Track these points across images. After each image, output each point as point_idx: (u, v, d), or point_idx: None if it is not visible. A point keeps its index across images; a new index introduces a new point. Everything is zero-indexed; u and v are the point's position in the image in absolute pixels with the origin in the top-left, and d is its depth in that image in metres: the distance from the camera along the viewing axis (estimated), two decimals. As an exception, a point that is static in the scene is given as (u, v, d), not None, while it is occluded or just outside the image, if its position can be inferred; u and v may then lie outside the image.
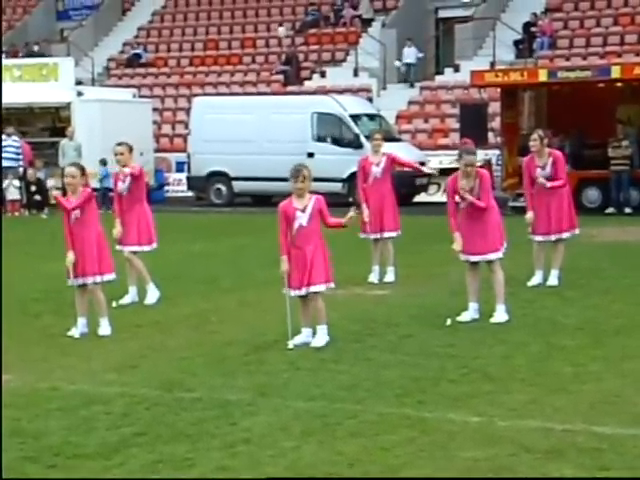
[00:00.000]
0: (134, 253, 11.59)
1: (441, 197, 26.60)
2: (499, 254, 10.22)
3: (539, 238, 12.29)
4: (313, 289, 9.09)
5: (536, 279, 12.28)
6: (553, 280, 12.23)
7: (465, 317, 10.11)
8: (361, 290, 12.19)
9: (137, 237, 11.56)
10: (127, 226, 11.53)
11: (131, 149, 11.64)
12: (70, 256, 9.70)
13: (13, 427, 6.66)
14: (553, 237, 12.28)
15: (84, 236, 9.76)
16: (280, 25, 35.43)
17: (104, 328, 9.81)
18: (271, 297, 11.42)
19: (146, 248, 11.68)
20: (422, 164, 26.22)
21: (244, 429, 6.56)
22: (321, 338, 9.10)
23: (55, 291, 11.68)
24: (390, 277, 12.93)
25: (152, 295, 11.58)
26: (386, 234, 12.98)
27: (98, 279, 9.87)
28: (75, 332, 9.77)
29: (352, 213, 9.29)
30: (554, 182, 12.15)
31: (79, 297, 9.90)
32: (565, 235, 12.36)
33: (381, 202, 12.92)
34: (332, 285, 9.24)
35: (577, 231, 12.54)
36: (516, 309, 10.44)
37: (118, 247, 11.48)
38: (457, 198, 10.07)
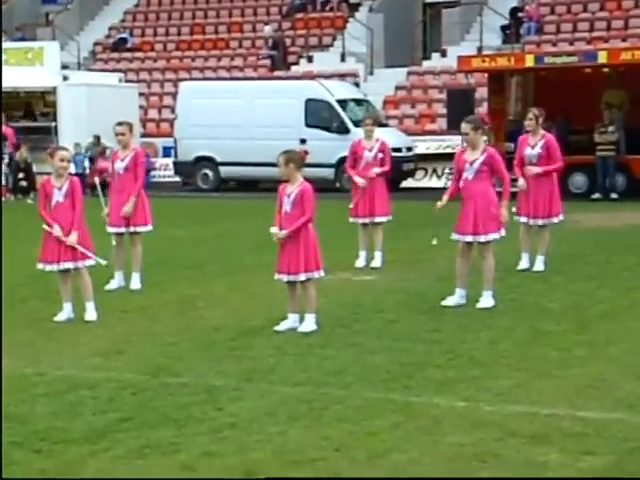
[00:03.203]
0: (134, 234, 11.54)
1: (428, 182, 26.67)
2: (495, 236, 10.12)
3: (523, 219, 12.28)
4: (304, 276, 9.07)
5: (524, 263, 12.29)
6: (539, 265, 12.25)
7: (450, 302, 10.10)
8: (348, 275, 12.20)
9: (138, 217, 11.43)
10: (120, 207, 11.42)
11: (131, 128, 11.62)
12: (58, 229, 9.54)
13: (-1, 412, 6.66)
14: (540, 221, 12.26)
15: (71, 219, 9.66)
16: (266, 24, 35.30)
17: (90, 313, 9.78)
18: (258, 282, 11.43)
19: (140, 229, 11.57)
20: (409, 149, 26.31)
21: (230, 414, 6.57)
22: (309, 325, 9.10)
23: (41, 276, 11.62)
24: (377, 262, 12.95)
25: (137, 280, 11.57)
26: (377, 219, 12.98)
27: (90, 262, 9.83)
28: (61, 316, 9.76)
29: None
30: (540, 168, 12.12)
31: (63, 282, 9.86)
32: (555, 220, 12.33)
33: (372, 187, 12.91)
34: (322, 273, 9.19)
35: (561, 217, 12.47)
36: (502, 294, 10.46)
37: (111, 229, 11.48)
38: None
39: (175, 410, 6.67)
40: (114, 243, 11.50)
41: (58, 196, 9.64)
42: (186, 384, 7.32)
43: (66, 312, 9.80)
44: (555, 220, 12.39)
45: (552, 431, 6.08)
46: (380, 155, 12.97)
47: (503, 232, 10.18)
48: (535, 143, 12.21)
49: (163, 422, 6.41)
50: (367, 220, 12.97)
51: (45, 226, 9.62)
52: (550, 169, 12.18)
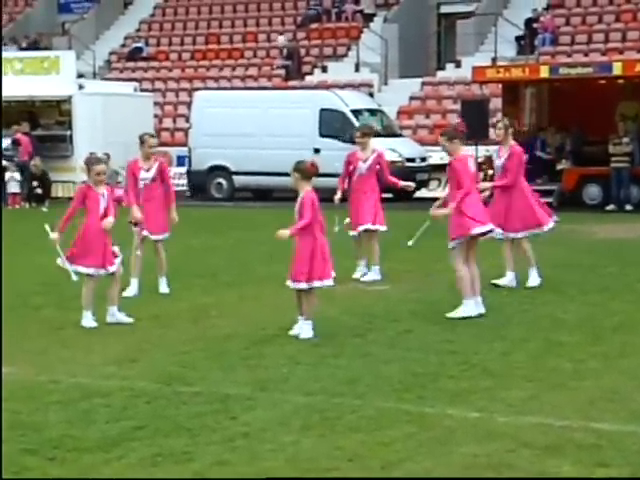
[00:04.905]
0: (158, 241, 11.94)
1: (441, 193, 26.62)
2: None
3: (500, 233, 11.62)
4: (289, 283, 9.19)
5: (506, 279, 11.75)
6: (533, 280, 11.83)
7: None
8: (361, 285, 12.20)
9: (162, 226, 11.90)
10: (151, 215, 11.72)
11: None
12: (55, 235, 9.84)
13: (13, 420, 6.67)
14: (510, 235, 11.69)
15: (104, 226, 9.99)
16: (280, 34, 35.39)
17: (123, 316, 10.08)
18: (271, 292, 11.44)
19: (166, 235, 12.04)
20: (423, 160, 26.26)
21: (243, 423, 6.57)
22: (302, 330, 9.14)
23: (55, 284, 11.67)
24: (374, 275, 12.56)
25: (165, 285, 11.89)
26: (372, 227, 12.62)
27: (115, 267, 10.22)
28: (88, 323, 9.81)
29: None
30: (496, 182, 11.92)
31: (92, 289, 9.95)
32: (521, 234, 11.71)
33: (361, 198, 12.65)
34: (312, 284, 9.10)
35: (536, 231, 11.89)
36: (515, 305, 10.45)
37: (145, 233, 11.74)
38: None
39: (188, 419, 6.68)
40: (138, 252, 11.76)
41: (102, 203, 10.01)
42: (199, 393, 7.33)
43: (89, 319, 9.83)
44: (535, 231, 11.90)
45: (566, 442, 6.06)
46: (377, 167, 12.87)
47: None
48: (502, 154, 11.98)
49: (176, 431, 6.42)
50: (355, 233, 12.66)
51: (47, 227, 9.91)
52: (497, 185, 11.92)
